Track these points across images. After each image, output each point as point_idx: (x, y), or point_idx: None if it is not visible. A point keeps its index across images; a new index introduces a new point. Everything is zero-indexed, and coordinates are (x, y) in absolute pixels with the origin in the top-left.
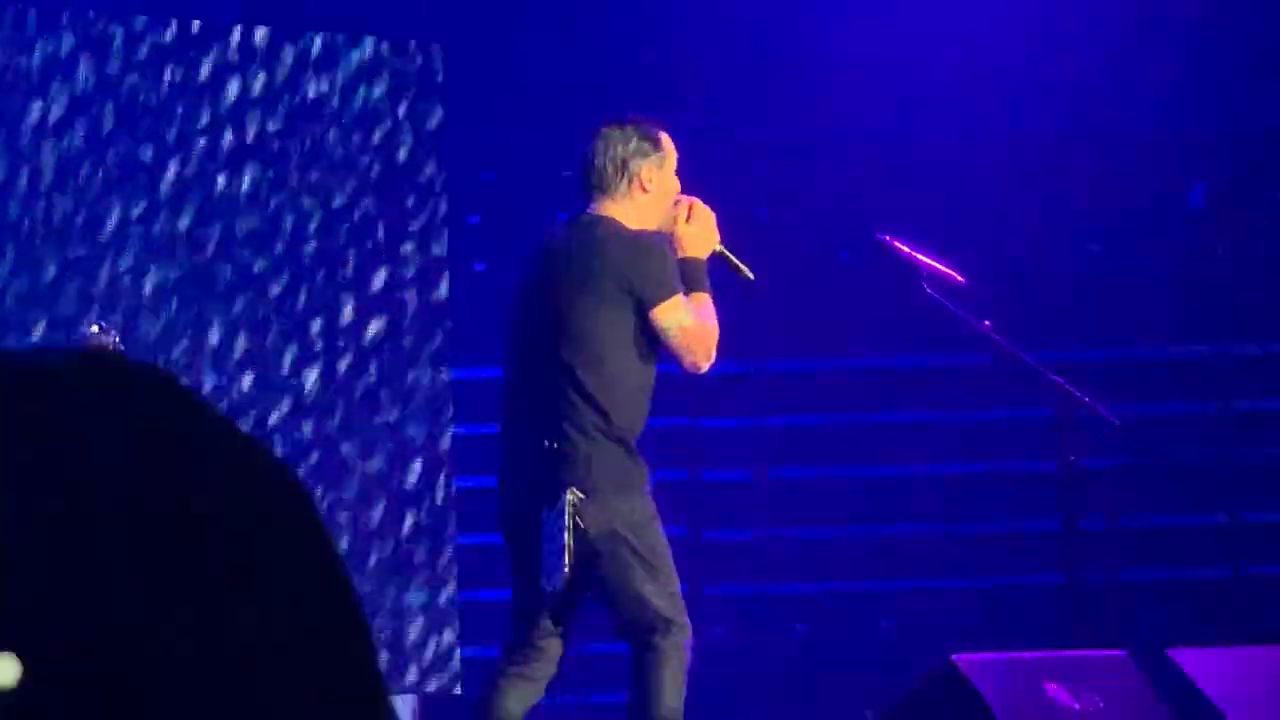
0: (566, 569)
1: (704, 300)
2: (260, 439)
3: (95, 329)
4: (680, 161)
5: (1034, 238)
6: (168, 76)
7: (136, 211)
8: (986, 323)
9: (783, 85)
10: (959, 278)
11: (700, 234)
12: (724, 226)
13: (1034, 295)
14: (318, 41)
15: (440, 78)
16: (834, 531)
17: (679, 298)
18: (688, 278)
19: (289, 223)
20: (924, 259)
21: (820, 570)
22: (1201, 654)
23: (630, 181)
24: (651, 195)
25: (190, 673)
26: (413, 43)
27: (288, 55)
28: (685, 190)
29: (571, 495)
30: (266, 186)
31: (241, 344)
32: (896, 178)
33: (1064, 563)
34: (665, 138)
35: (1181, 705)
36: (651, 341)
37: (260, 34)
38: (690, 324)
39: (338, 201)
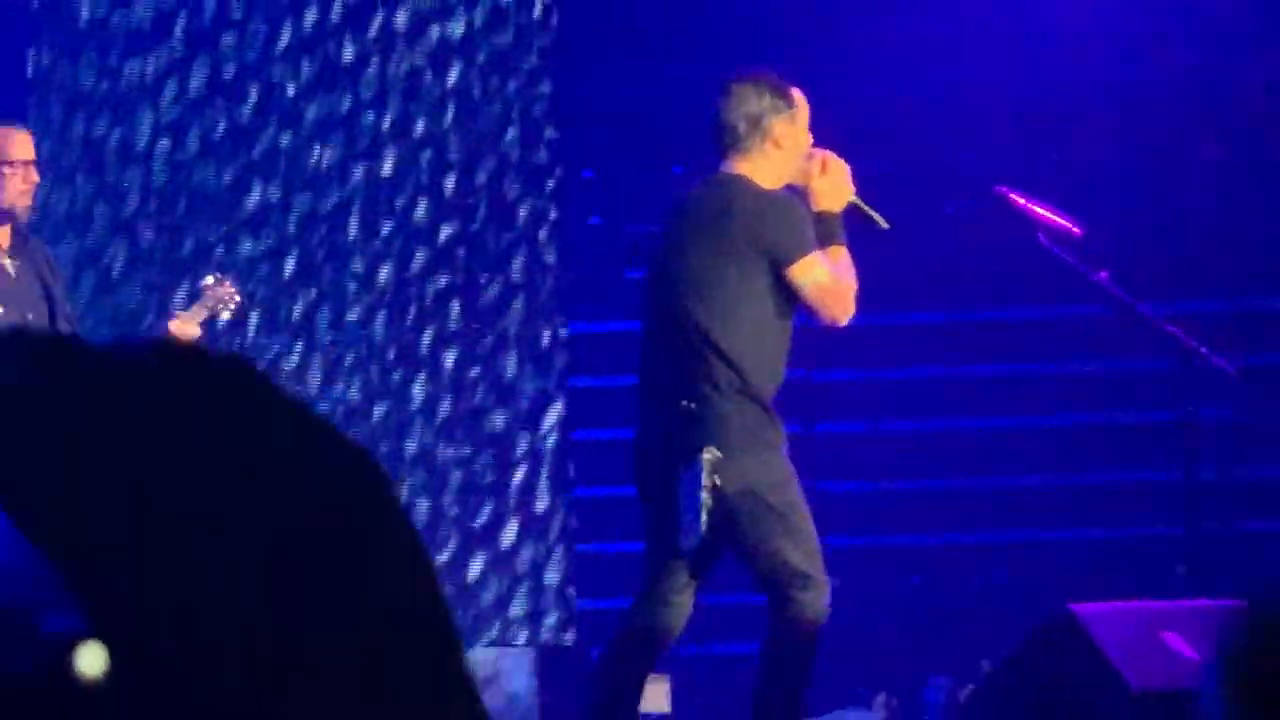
0: (704, 527)
1: (841, 254)
2: (343, 432)
3: (211, 279)
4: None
5: (1151, 188)
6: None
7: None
8: (1103, 274)
9: (896, 38)
10: (1075, 229)
11: (834, 187)
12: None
13: (1151, 246)
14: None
15: (553, 33)
16: (950, 483)
17: (815, 255)
18: (823, 232)
19: (412, 181)
20: (1040, 211)
21: (936, 522)
22: None
23: (763, 138)
24: (785, 151)
25: (277, 668)
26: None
27: (401, 17)
28: (817, 143)
29: (709, 454)
30: (391, 152)
31: (382, 281)
32: (1012, 129)
33: (1181, 514)
34: (797, 92)
35: None
36: (786, 300)
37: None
38: (827, 280)
39: (453, 157)
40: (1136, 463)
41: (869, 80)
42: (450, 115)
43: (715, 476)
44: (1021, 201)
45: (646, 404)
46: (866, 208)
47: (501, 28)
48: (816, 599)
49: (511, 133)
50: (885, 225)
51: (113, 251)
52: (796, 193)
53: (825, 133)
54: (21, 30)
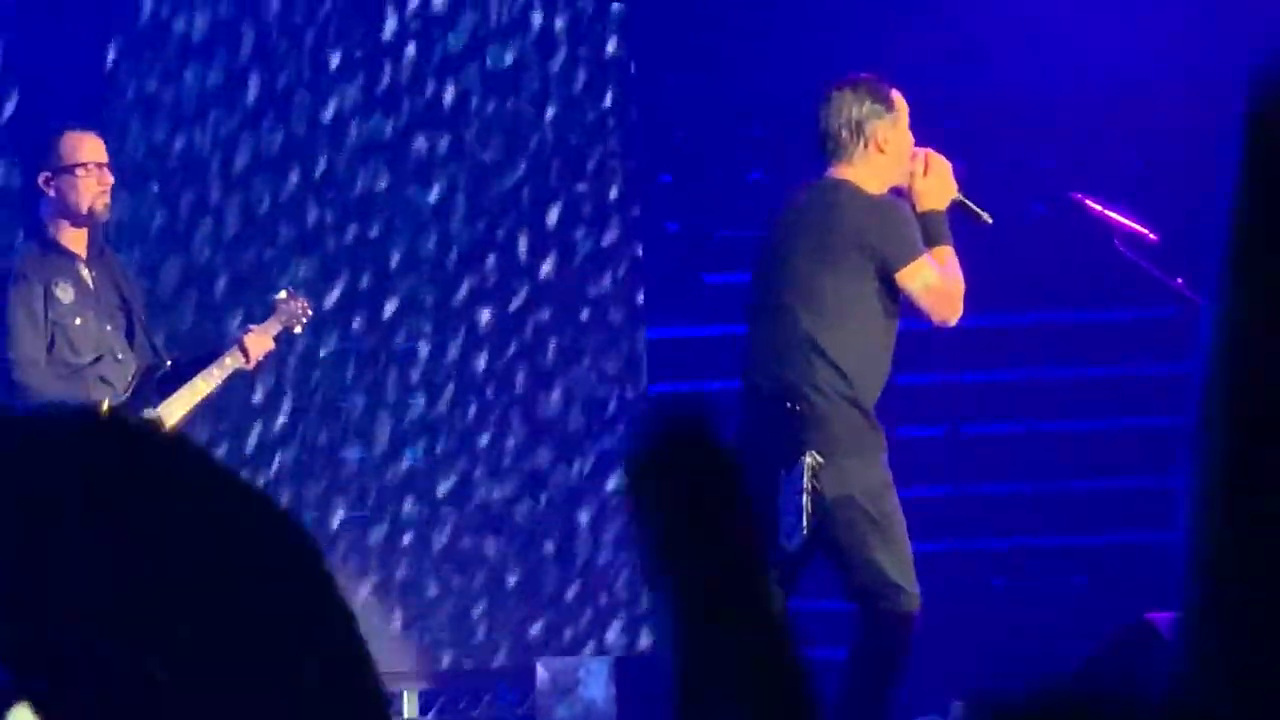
0: (804, 531)
1: (947, 254)
2: (267, 495)
3: (284, 294)
4: None
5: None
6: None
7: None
8: (1179, 279)
9: (974, 38)
10: (1151, 235)
11: (938, 186)
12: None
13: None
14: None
15: (621, 38)
16: (1029, 486)
17: (923, 258)
18: (929, 231)
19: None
20: (1116, 217)
21: (1016, 525)
22: None
23: (867, 144)
24: (889, 155)
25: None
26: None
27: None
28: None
29: (810, 458)
30: (447, 151)
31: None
32: (1090, 132)
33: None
34: (897, 95)
35: None
36: (891, 306)
37: None
38: (935, 282)
39: (521, 169)
40: None
41: (939, 83)
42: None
43: (815, 480)
44: (1098, 208)
45: (749, 406)
46: (970, 204)
47: (572, 38)
48: (908, 611)
49: (587, 141)
50: (989, 220)
51: (169, 265)
52: (901, 194)
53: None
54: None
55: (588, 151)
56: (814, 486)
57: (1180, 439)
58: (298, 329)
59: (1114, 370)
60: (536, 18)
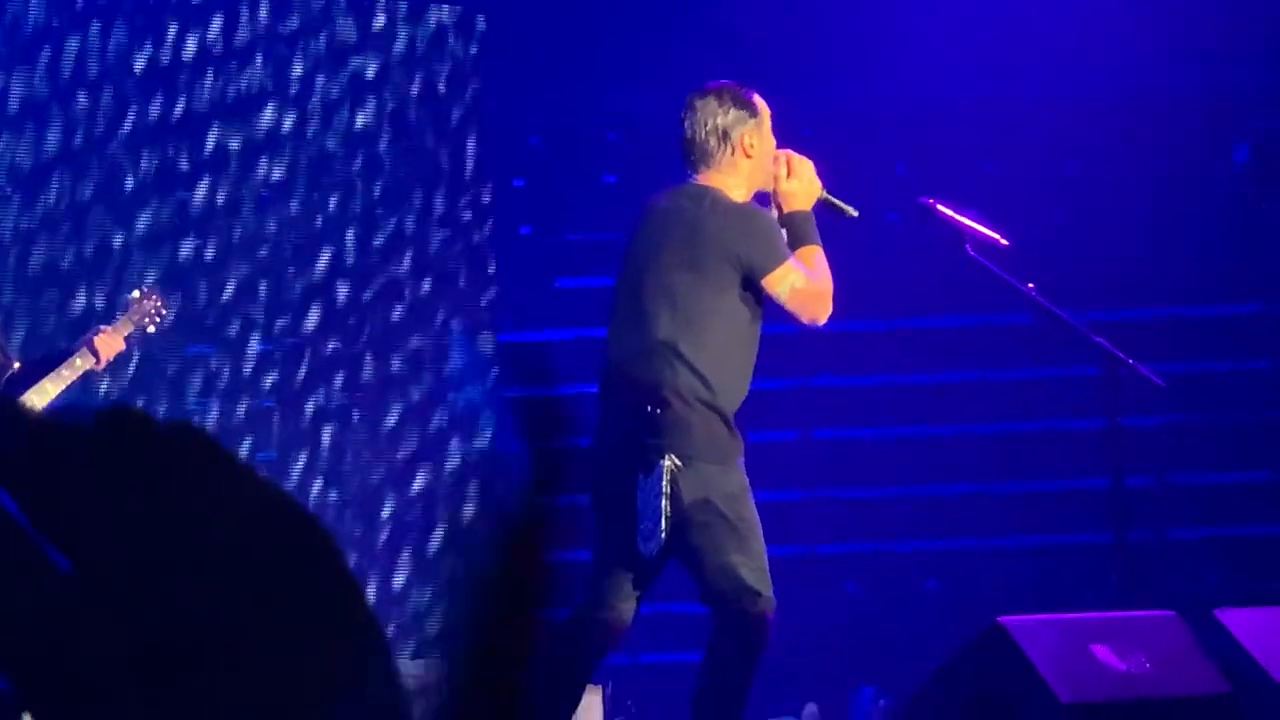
0: (663, 535)
1: (815, 254)
2: (275, 485)
3: (137, 293)
4: None
5: (1079, 198)
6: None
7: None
8: (1030, 285)
9: (828, 49)
10: (1002, 240)
11: (802, 188)
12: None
13: (1080, 255)
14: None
15: (477, 43)
16: (881, 492)
17: (789, 263)
18: (795, 232)
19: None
20: (967, 222)
21: (868, 530)
22: (1249, 614)
23: (733, 150)
24: (755, 159)
25: (215, 692)
26: (449, 8)
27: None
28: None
29: (669, 461)
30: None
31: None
32: (940, 141)
33: (1112, 522)
34: (759, 99)
35: (1229, 666)
36: (755, 314)
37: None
38: (802, 285)
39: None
40: (1067, 471)
41: (793, 90)
42: (384, 136)
43: (674, 484)
44: (948, 212)
45: (607, 411)
46: (835, 200)
47: (433, 46)
48: (763, 614)
49: (441, 146)
50: (855, 214)
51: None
52: (767, 198)
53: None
54: None
55: (441, 156)
56: (672, 490)
57: (1041, 443)
58: (151, 329)
59: (966, 375)
60: (394, 27)
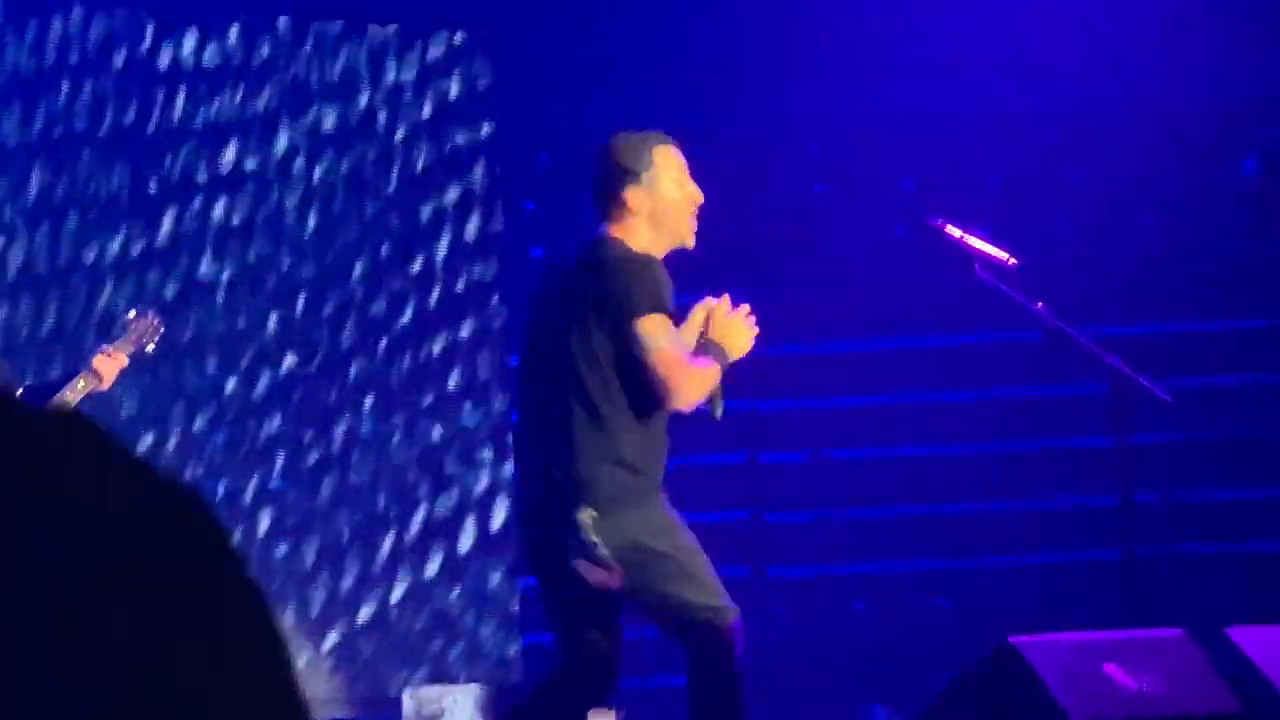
0: (597, 580)
1: (708, 361)
2: (171, 477)
3: (133, 313)
4: (735, 145)
5: (1085, 210)
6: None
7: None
8: (1039, 304)
9: (837, 64)
10: (1011, 260)
11: (727, 342)
12: (779, 207)
13: (1086, 268)
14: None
15: (489, 74)
16: (892, 511)
17: (662, 318)
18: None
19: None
20: (975, 243)
21: (877, 550)
22: (1260, 631)
23: (619, 205)
24: (644, 216)
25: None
26: (456, 33)
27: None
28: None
29: (585, 514)
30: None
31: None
32: (947, 156)
33: (1121, 539)
34: (657, 152)
35: (1240, 684)
36: None
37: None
38: (669, 350)
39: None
40: (1076, 489)
41: (803, 104)
42: (395, 159)
43: (596, 534)
44: (956, 234)
45: (523, 479)
46: (717, 399)
47: (443, 71)
48: (726, 628)
49: (447, 170)
50: (718, 416)
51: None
52: (655, 260)
53: (761, 159)
54: None
55: (453, 179)
56: (596, 541)
57: (1051, 461)
58: (150, 347)
59: (973, 394)
60: (407, 50)
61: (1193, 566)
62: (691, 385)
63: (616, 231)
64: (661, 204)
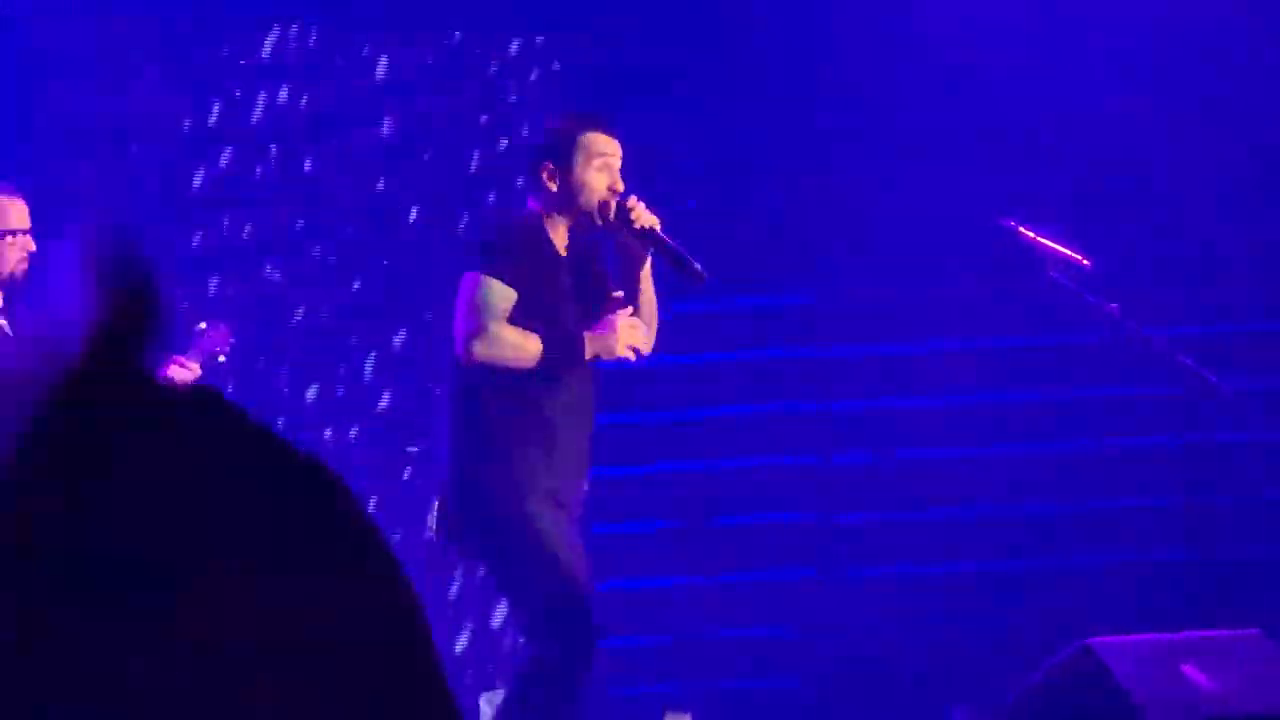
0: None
1: (536, 338)
2: (309, 451)
3: (204, 325)
4: (796, 154)
5: (1160, 213)
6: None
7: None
8: (1114, 305)
9: (908, 69)
10: (1084, 261)
11: (605, 347)
12: (850, 210)
13: (1161, 271)
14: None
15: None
16: (970, 512)
17: (492, 278)
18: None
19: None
20: (1048, 243)
21: (955, 551)
22: None
23: (539, 178)
24: (561, 192)
25: (255, 663)
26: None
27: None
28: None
29: (434, 510)
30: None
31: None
32: (1020, 161)
33: (1196, 540)
34: (581, 140)
35: None
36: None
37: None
38: (482, 306)
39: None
40: (1149, 489)
41: (870, 112)
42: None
43: (443, 522)
44: (1029, 234)
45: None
46: (682, 257)
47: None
48: (557, 650)
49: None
50: (701, 274)
51: None
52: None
53: (825, 168)
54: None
55: (487, 182)
56: (446, 527)
57: (1125, 462)
58: (221, 358)
59: (1047, 394)
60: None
61: (1268, 567)
62: (488, 344)
63: (537, 204)
64: (584, 179)
